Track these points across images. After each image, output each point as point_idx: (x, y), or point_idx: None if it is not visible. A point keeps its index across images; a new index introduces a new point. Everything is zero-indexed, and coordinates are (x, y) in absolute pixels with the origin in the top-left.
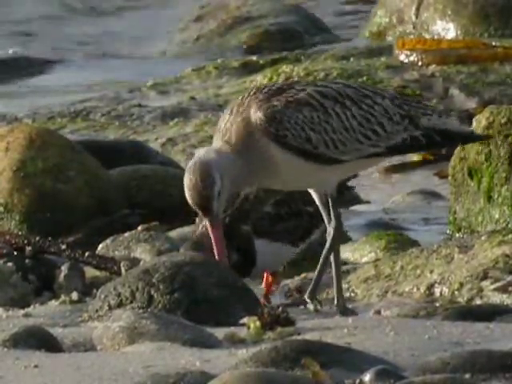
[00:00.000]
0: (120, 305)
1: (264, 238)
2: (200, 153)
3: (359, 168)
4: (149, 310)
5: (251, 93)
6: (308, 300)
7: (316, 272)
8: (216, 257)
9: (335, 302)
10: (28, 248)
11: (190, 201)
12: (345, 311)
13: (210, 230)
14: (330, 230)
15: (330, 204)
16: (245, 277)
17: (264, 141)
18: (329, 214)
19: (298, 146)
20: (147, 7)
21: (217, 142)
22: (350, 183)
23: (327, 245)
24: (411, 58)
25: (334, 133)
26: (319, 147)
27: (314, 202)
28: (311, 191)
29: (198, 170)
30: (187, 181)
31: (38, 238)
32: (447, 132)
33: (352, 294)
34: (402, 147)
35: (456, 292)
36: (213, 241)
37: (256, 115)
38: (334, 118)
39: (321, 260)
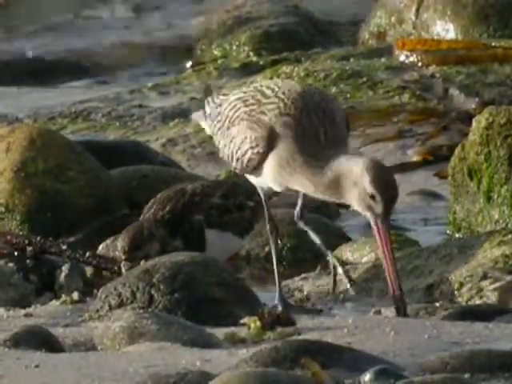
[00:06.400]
0: (120, 305)
1: (214, 228)
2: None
3: None
4: (149, 310)
5: None
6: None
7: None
8: (386, 261)
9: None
10: (29, 248)
11: (394, 199)
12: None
13: (384, 230)
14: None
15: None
16: None
17: None
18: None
19: None
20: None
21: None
22: None
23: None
24: (411, 59)
25: None
26: None
27: (255, 196)
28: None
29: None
30: (393, 180)
31: (38, 239)
32: None
33: (352, 294)
34: None
35: (456, 292)
36: (384, 239)
37: None
38: None
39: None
